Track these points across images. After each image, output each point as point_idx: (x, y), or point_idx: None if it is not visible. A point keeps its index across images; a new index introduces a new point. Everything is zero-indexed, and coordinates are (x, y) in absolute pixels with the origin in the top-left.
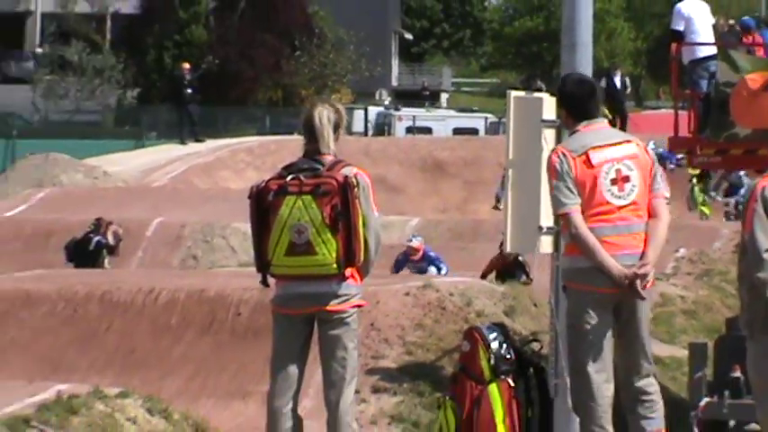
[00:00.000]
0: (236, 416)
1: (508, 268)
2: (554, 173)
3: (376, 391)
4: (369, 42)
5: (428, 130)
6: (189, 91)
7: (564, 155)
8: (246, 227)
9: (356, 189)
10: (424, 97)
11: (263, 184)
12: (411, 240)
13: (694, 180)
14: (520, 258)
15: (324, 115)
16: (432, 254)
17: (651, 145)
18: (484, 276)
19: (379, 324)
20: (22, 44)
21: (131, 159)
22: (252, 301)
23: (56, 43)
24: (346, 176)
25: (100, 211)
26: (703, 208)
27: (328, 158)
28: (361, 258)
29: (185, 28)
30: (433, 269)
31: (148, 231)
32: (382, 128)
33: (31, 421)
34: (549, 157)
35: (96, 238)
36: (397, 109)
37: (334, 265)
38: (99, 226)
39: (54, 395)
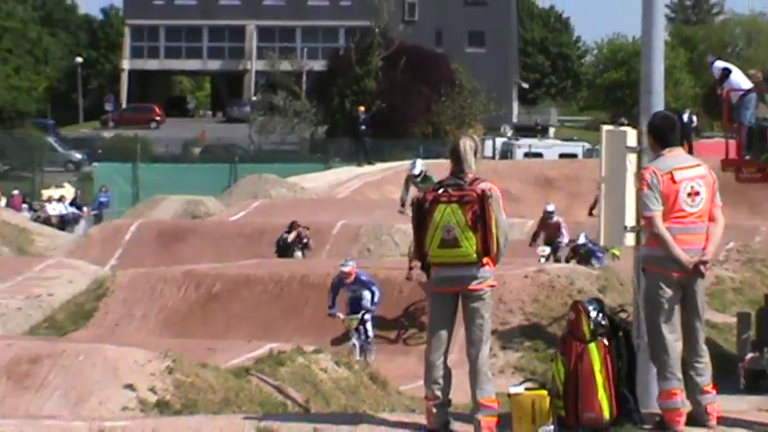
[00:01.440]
0: (400, 367)
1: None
2: (645, 184)
3: (503, 348)
4: (496, 90)
5: (540, 155)
6: (363, 127)
7: (654, 172)
8: (407, 227)
9: (490, 199)
10: (537, 131)
11: (422, 196)
12: (344, 265)
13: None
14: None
15: (466, 144)
16: (363, 278)
17: (582, 239)
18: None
19: (505, 299)
20: (242, 94)
21: (321, 178)
22: (410, 283)
23: (266, 93)
24: (483, 189)
25: (299, 216)
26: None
27: (469, 176)
28: (494, 250)
29: (360, 81)
30: (366, 293)
31: (334, 231)
32: (506, 154)
33: (250, 371)
34: (642, 173)
35: (286, 236)
36: (516, 139)
37: (474, 256)
38: (291, 227)
39: (267, 352)
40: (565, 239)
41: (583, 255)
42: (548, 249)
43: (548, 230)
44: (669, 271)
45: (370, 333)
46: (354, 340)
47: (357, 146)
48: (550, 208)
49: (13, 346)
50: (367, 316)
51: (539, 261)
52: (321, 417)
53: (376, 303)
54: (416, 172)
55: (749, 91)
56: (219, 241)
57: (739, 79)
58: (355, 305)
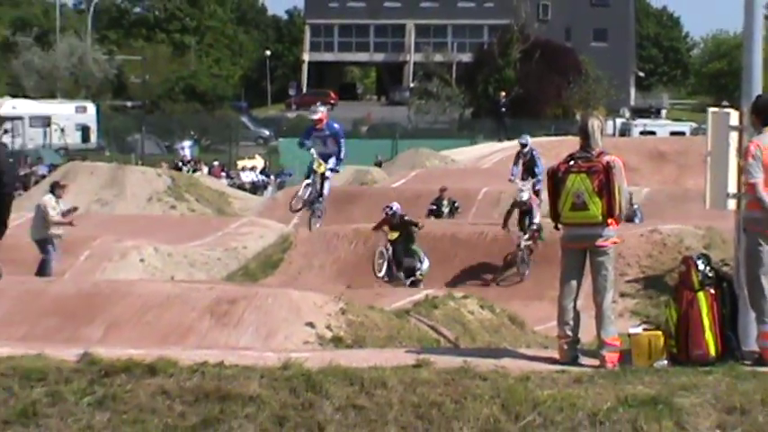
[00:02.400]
0: (536, 311)
1: None
2: (750, 156)
3: (622, 295)
4: (616, 78)
5: (653, 133)
6: (503, 109)
7: (758, 146)
8: (542, 194)
9: (614, 169)
10: (651, 112)
11: (556, 167)
12: (314, 112)
13: None
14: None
15: (594, 123)
16: (335, 125)
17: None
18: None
19: (624, 254)
20: (402, 81)
21: (468, 151)
22: (543, 240)
23: (422, 81)
24: (608, 161)
25: (449, 183)
26: None
27: (596, 150)
28: (617, 212)
29: (501, 70)
30: (333, 151)
31: (479, 196)
32: (624, 132)
33: (410, 312)
34: (747, 146)
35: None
36: (633, 120)
37: (600, 217)
38: (441, 192)
39: (423, 297)
40: (540, 168)
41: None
42: (528, 183)
43: (524, 162)
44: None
45: (326, 191)
46: (308, 181)
47: (498, 125)
48: (524, 140)
49: (215, 290)
50: (329, 173)
51: (519, 195)
52: (469, 351)
53: (341, 159)
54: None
55: None
56: (383, 204)
57: None
58: (324, 156)
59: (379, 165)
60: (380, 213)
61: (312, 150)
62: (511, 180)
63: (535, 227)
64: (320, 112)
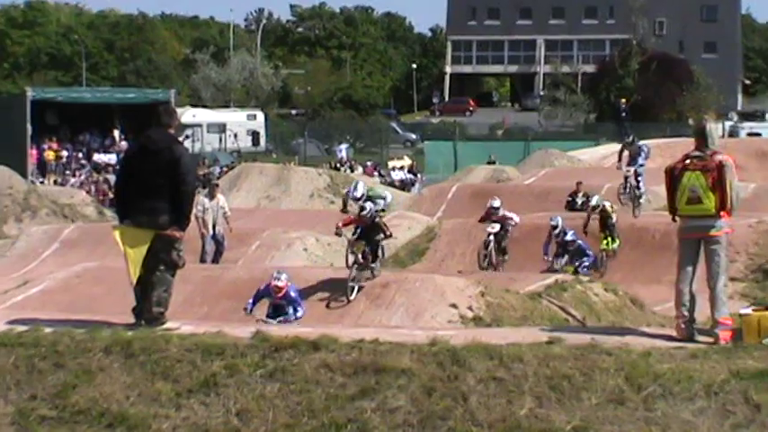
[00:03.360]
0: (654, 294)
1: None
2: None
3: (732, 279)
4: (724, 86)
5: (759, 134)
6: (624, 114)
7: None
8: (659, 189)
9: (725, 168)
10: (757, 116)
11: (673, 165)
12: (278, 279)
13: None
14: None
15: (712, 126)
16: (293, 294)
17: (570, 235)
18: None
19: (733, 242)
20: (533, 89)
21: (592, 152)
22: (661, 230)
23: (551, 89)
24: (720, 160)
25: (575, 180)
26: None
27: (709, 151)
28: (728, 206)
29: (622, 80)
30: (290, 309)
31: (602, 192)
32: (732, 133)
33: (541, 295)
34: None
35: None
36: (740, 123)
37: (713, 210)
38: (577, 189)
39: (553, 281)
40: (515, 221)
41: (573, 252)
42: (497, 227)
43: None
44: None
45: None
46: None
47: (619, 128)
48: (496, 204)
49: None
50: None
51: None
52: (595, 329)
53: (298, 318)
54: (357, 195)
55: None
56: (516, 199)
57: None
58: (279, 311)
59: (492, 163)
60: (515, 207)
61: (255, 315)
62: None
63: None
64: (283, 280)
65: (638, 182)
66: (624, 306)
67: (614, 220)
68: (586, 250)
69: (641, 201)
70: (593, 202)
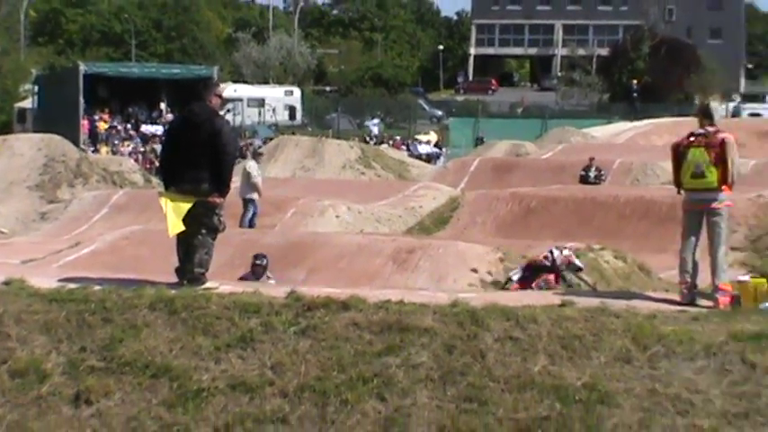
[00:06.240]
0: (660, 262)
1: None
2: None
3: (732, 249)
4: (728, 69)
5: (759, 115)
6: (635, 95)
7: None
8: (666, 164)
9: (728, 145)
10: (758, 98)
11: (679, 141)
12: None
13: None
14: None
15: (714, 106)
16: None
17: None
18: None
19: (734, 215)
20: (551, 71)
21: (605, 129)
22: (667, 203)
23: (568, 71)
24: (723, 138)
25: (589, 155)
26: None
27: (712, 128)
28: (730, 180)
29: (633, 62)
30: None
31: (614, 166)
32: (735, 113)
33: None
34: None
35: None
36: (743, 104)
37: (716, 184)
38: (590, 164)
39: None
40: None
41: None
42: None
43: None
44: None
45: None
46: None
47: (630, 107)
48: None
49: (397, 241)
50: None
51: None
52: (605, 294)
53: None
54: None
55: None
56: (534, 172)
57: None
58: None
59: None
60: (532, 180)
61: None
62: None
63: None
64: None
65: None
66: (632, 272)
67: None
68: None
69: None
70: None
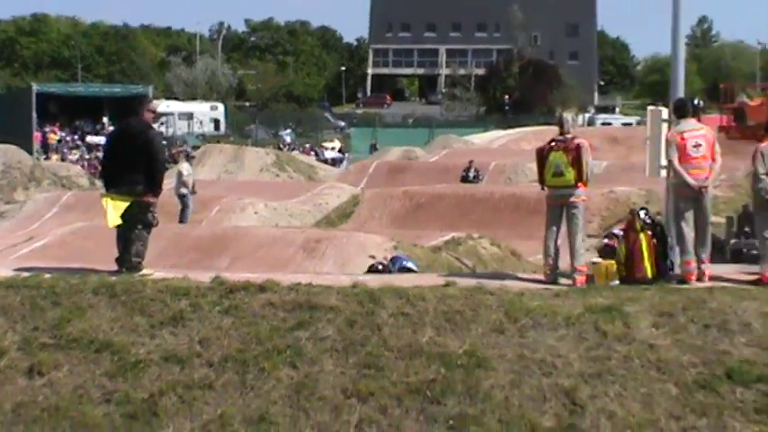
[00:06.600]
0: (528, 248)
1: None
2: (668, 142)
3: (588, 236)
4: (584, 86)
5: (610, 124)
6: (507, 108)
7: (674, 134)
8: (532, 165)
9: (582, 148)
10: (608, 110)
11: (542, 146)
12: None
13: None
14: None
15: (569, 117)
16: None
17: None
18: None
19: (589, 207)
20: (436, 87)
21: (482, 137)
22: (534, 198)
23: (450, 88)
24: (578, 143)
25: (471, 156)
26: None
27: (569, 135)
28: (584, 179)
29: (506, 80)
30: None
31: (490, 167)
32: (590, 123)
33: (441, 248)
34: (668, 135)
35: (466, 172)
36: (596, 115)
37: (573, 181)
38: (469, 166)
39: (450, 238)
40: None
41: None
42: None
43: None
44: (685, 191)
45: None
46: None
47: (503, 118)
48: None
49: (306, 233)
50: None
51: None
52: (482, 275)
53: None
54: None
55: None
56: (423, 173)
57: None
58: None
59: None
60: (422, 180)
61: None
62: None
63: None
64: None
65: None
66: (505, 257)
67: None
68: None
69: None
70: None
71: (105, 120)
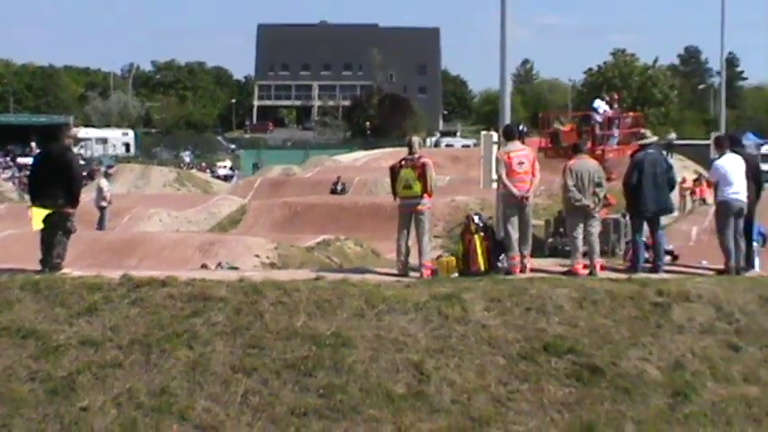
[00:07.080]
0: (386, 247)
1: None
2: (498, 160)
3: (435, 236)
4: (431, 115)
5: (452, 146)
6: (368, 133)
7: (502, 153)
8: (388, 180)
9: (427, 166)
10: (451, 134)
11: (395, 163)
12: None
13: None
14: None
15: (416, 140)
16: None
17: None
18: None
19: (435, 213)
20: (311, 116)
21: (348, 157)
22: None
23: (322, 116)
24: (424, 161)
25: (337, 174)
26: None
27: (417, 155)
28: (429, 190)
29: (367, 110)
30: None
31: (355, 181)
32: (436, 144)
33: (313, 248)
34: (498, 155)
35: (335, 185)
36: (441, 138)
37: (420, 193)
38: (337, 180)
39: (321, 240)
40: None
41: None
42: None
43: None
44: (511, 200)
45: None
46: None
47: (365, 141)
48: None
49: (202, 237)
50: None
51: None
52: (347, 270)
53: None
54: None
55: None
56: (299, 187)
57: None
58: None
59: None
60: (298, 193)
61: None
62: None
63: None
64: None
65: None
66: (366, 255)
67: None
68: None
69: None
70: None
71: (33, 144)
